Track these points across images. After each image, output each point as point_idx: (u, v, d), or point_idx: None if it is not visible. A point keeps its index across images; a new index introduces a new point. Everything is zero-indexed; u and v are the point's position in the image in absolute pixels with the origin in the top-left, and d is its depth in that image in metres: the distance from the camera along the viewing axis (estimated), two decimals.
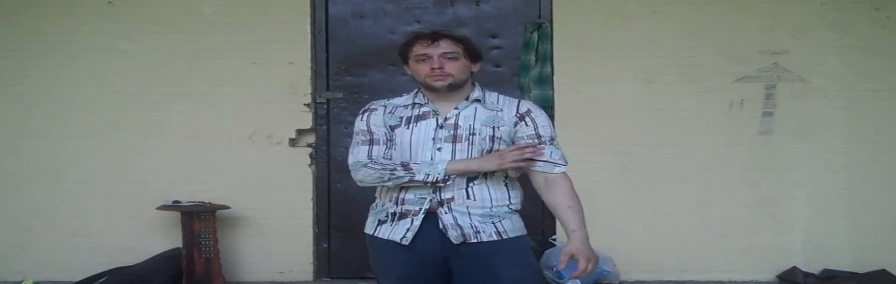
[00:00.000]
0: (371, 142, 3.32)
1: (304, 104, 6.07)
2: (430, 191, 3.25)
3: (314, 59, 6.12)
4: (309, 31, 6.10)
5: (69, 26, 6.13)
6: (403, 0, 6.16)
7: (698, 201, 6.01)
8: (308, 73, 6.09)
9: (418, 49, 3.30)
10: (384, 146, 3.31)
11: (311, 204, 6.10)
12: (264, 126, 6.08)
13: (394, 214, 3.30)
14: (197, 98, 6.09)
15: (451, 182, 3.21)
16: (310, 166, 6.10)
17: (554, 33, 6.03)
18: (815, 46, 5.99)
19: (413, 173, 3.19)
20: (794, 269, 5.87)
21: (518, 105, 3.37)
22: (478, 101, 3.34)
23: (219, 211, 5.84)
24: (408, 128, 3.30)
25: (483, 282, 3.27)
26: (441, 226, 3.24)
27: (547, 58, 6.01)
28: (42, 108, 6.12)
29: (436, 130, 3.29)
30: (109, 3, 6.13)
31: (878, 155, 5.98)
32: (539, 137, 3.31)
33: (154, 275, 5.74)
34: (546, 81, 6.00)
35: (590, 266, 3.18)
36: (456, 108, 3.31)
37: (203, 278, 5.73)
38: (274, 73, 6.08)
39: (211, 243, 5.76)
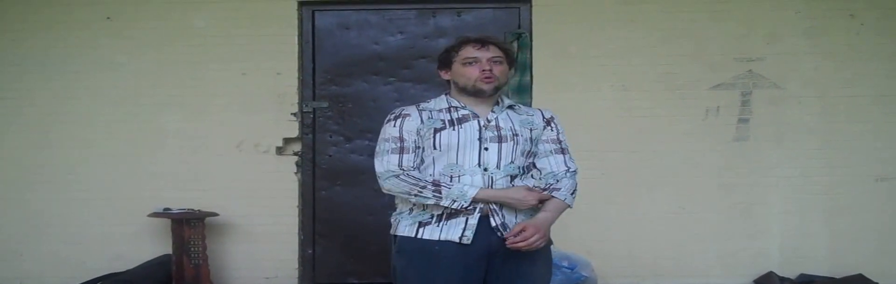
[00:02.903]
0: (402, 150, 3.36)
1: (291, 113, 6.19)
2: (484, 188, 3.32)
3: (301, 69, 6.25)
4: (296, 42, 6.23)
5: (70, 41, 6.29)
6: (387, 11, 6.28)
7: (675, 206, 6.07)
8: (295, 83, 6.22)
9: (468, 52, 3.42)
10: (414, 155, 3.36)
11: (296, 211, 6.21)
12: (252, 135, 6.21)
13: (440, 215, 3.33)
14: (188, 108, 6.24)
15: (474, 207, 3.30)
16: (296, 173, 6.22)
17: (533, 43, 6.12)
18: (789, 53, 6.05)
19: (441, 197, 3.27)
20: (770, 274, 5.90)
21: (542, 112, 3.57)
22: (511, 107, 3.50)
23: (208, 218, 5.97)
24: (454, 129, 3.37)
25: (517, 277, 3.33)
26: (494, 224, 3.31)
27: (526, 67, 6.09)
28: (38, 118, 6.27)
29: (480, 131, 3.38)
30: (108, 18, 6.29)
31: (854, 160, 6.02)
32: (560, 142, 3.50)
33: (144, 281, 5.83)
34: (525, 89, 6.08)
35: (533, 238, 3.22)
36: (493, 111, 3.45)
37: (192, 283, 5.85)
38: (262, 83, 6.21)
39: (200, 249, 5.87)
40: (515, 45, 6.09)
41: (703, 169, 6.07)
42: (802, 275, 5.91)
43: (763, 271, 5.97)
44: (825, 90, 6.02)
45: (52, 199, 6.26)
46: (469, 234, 3.28)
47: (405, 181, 3.30)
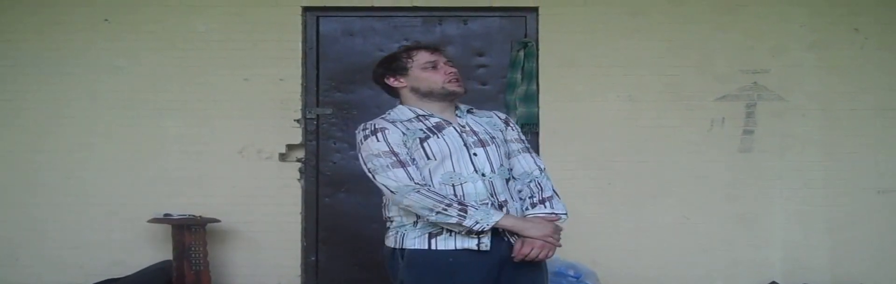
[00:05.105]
0: (402, 164, 3.19)
1: (295, 120, 6.16)
2: (490, 195, 3.25)
3: (305, 75, 6.21)
4: (300, 48, 6.19)
5: (66, 43, 6.21)
6: (392, 18, 6.26)
7: (679, 216, 6.10)
8: (298, 89, 6.18)
9: (426, 57, 3.35)
10: (414, 167, 3.20)
11: (299, 218, 6.17)
12: (255, 141, 6.16)
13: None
14: (189, 113, 6.17)
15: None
16: (299, 180, 6.18)
17: (539, 52, 6.13)
18: (794, 65, 6.10)
19: (465, 217, 3.09)
20: None
21: (497, 114, 3.54)
22: (470, 111, 3.46)
23: (209, 224, 5.91)
24: (438, 137, 3.26)
25: (528, 282, 3.30)
26: (501, 229, 3.21)
27: (533, 76, 6.11)
28: (36, 122, 6.19)
29: (462, 136, 3.31)
30: (106, 20, 6.22)
31: (855, 172, 6.08)
32: (523, 141, 3.48)
33: None
34: (532, 98, 6.09)
35: (533, 253, 3.18)
36: (458, 116, 3.38)
37: None
38: (265, 89, 6.16)
39: (201, 255, 5.80)
40: (522, 53, 6.11)
41: (707, 180, 6.10)
42: None
43: (766, 281, 6.01)
44: (828, 103, 6.09)
45: (50, 203, 6.16)
46: (486, 240, 3.18)
47: (429, 197, 3.12)
